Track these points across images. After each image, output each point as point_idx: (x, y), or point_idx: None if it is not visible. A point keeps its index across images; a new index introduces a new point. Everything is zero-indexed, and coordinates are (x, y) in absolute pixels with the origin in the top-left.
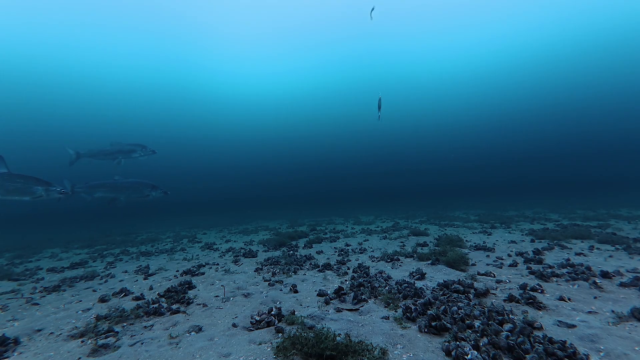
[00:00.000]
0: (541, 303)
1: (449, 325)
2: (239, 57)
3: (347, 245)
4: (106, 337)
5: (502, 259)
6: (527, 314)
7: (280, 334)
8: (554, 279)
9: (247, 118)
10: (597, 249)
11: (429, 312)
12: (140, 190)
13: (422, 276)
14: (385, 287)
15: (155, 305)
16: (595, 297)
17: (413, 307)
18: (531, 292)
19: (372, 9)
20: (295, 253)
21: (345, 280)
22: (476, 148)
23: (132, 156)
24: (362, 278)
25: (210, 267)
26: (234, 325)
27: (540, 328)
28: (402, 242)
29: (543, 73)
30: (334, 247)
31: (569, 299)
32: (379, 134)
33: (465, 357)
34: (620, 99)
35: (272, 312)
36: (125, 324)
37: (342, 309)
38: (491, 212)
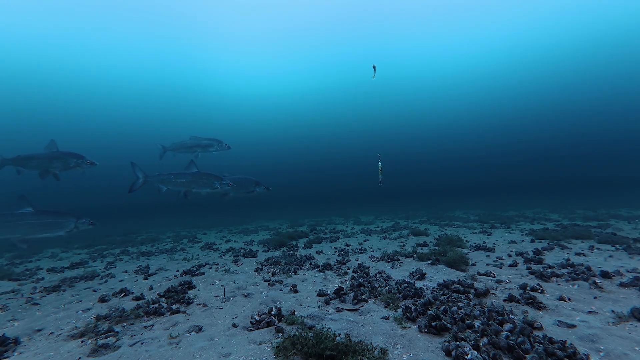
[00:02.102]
0: (541, 303)
1: (449, 325)
2: (240, 58)
3: (347, 245)
4: (106, 337)
5: (502, 259)
6: (527, 314)
7: (280, 334)
8: (554, 279)
9: (247, 118)
10: (597, 249)
11: (429, 312)
12: (246, 186)
13: (422, 276)
14: (385, 287)
15: (155, 305)
16: (595, 297)
17: (413, 307)
18: (531, 292)
19: (374, 68)
20: (295, 253)
21: (345, 280)
22: (476, 148)
23: (209, 150)
24: (362, 278)
25: (210, 267)
26: (234, 325)
27: (540, 328)
28: (402, 242)
29: (543, 73)
30: (334, 247)
31: (569, 299)
32: (379, 134)
33: (465, 357)
34: (621, 99)
35: (272, 312)
36: (125, 323)
37: (342, 309)
38: (491, 212)
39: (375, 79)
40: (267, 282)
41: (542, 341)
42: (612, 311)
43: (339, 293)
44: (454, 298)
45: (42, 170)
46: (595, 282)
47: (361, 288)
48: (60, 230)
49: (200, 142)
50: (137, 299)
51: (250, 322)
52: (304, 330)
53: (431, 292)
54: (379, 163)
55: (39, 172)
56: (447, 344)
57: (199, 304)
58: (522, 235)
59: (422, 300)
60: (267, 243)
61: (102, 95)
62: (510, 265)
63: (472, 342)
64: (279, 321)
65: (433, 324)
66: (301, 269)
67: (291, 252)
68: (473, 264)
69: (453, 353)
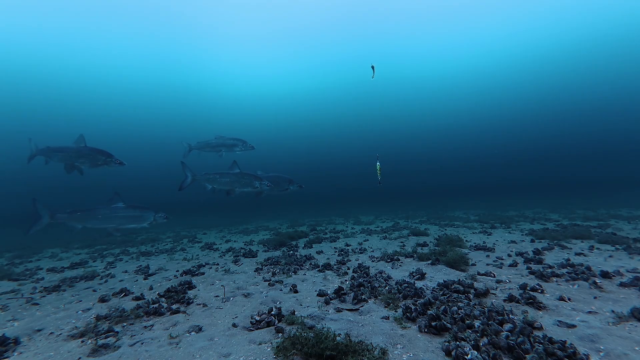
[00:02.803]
0: (541, 303)
1: (449, 325)
2: (240, 58)
3: (347, 245)
4: (106, 337)
5: (502, 259)
6: (527, 314)
7: (280, 334)
8: (554, 279)
9: (247, 118)
10: (597, 249)
11: (429, 312)
12: (281, 184)
13: (422, 276)
14: (385, 287)
15: (155, 305)
16: (595, 297)
17: (413, 307)
18: (531, 292)
19: (373, 68)
20: (295, 253)
21: (345, 280)
22: (476, 148)
23: (234, 150)
24: (362, 278)
25: (210, 267)
26: (234, 325)
27: (540, 328)
28: (402, 242)
29: (543, 73)
30: (334, 247)
31: (569, 299)
32: (379, 134)
33: (465, 357)
34: (620, 99)
35: (272, 312)
36: (125, 323)
37: (342, 309)
38: (491, 212)
39: (376, 79)
40: (267, 282)
41: (542, 341)
42: (612, 311)
43: (339, 293)
44: (454, 298)
45: (69, 163)
46: (595, 282)
47: (361, 288)
48: (144, 222)
49: (225, 141)
50: (137, 299)
51: (250, 322)
52: (304, 330)
53: (431, 292)
54: (378, 163)
55: (64, 166)
56: (447, 344)
57: (199, 304)
58: (522, 235)
59: (422, 300)
60: (267, 243)
61: (102, 95)
62: (510, 265)
63: (472, 342)
64: (279, 321)
65: (433, 324)
66: (301, 269)
67: (291, 252)
68: (473, 264)
69: (453, 353)
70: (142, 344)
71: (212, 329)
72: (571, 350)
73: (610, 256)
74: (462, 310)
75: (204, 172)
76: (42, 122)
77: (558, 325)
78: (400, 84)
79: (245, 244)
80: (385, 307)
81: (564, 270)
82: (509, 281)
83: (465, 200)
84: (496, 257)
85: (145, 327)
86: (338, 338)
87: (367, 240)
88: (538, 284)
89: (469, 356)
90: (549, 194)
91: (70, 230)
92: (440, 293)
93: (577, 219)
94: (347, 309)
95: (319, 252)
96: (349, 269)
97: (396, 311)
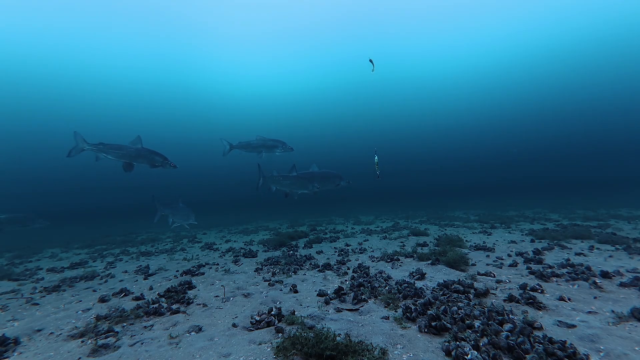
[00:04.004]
0: (541, 303)
1: (449, 325)
2: (240, 58)
3: (347, 245)
4: (106, 337)
5: (502, 259)
6: (527, 314)
7: (280, 334)
8: (554, 279)
9: (247, 118)
10: (597, 249)
11: (429, 312)
12: (333, 180)
13: (422, 276)
14: (385, 287)
15: (155, 305)
16: (595, 297)
17: (413, 307)
18: (531, 292)
19: (371, 62)
20: (295, 253)
21: (345, 280)
22: (476, 148)
23: (274, 151)
24: (362, 278)
25: (210, 267)
26: (234, 325)
27: (540, 328)
28: (402, 242)
29: (543, 73)
30: (334, 247)
31: (569, 299)
32: (379, 134)
33: (465, 357)
34: (620, 99)
35: (272, 312)
36: (125, 324)
37: (342, 309)
38: (491, 212)
39: (376, 79)
40: (267, 282)
41: (542, 341)
42: (612, 311)
43: (339, 293)
44: (454, 298)
45: (127, 162)
46: (595, 282)
47: (361, 288)
48: (193, 219)
49: (266, 142)
50: (137, 299)
51: (250, 322)
52: (304, 330)
53: (431, 292)
54: (376, 157)
55: (123, 164)
56: (447, 344)
57: (199, 304)
58: (522, 235)
59: (422, 300)
60: (267, 243)
61: (103, 95)
62: (510, 265)
63: (472, 342)
64: (279, 321)
65: (433, 324)
66: (301, 269)
67: (291, 252)
68: (473, 264)
69: (453, 353)
70: (142, 344)
71: (212, 329)
72: (571, 350)
73: (610, 256)
74: (462, 310)
75: (272, 174)
76: (43, 122)
77: (558, 325)
78: (400, 84)
79: (245, 244)
80: (385, 307)
81: (564, 270)
82: (509, 281)
83: (465, 200)
84: (496, 257)
85: (145, 327)
86: (338, 338)
87: (367, 240)
88: (538, 284)
89: (469, 356)
90: (549, 194)
91: (161, 218)
92: (440, 293)
93: (577, 219)
94: (347, 309)
95: (318, 252)
96: (349, 269)
97: (396, 311)
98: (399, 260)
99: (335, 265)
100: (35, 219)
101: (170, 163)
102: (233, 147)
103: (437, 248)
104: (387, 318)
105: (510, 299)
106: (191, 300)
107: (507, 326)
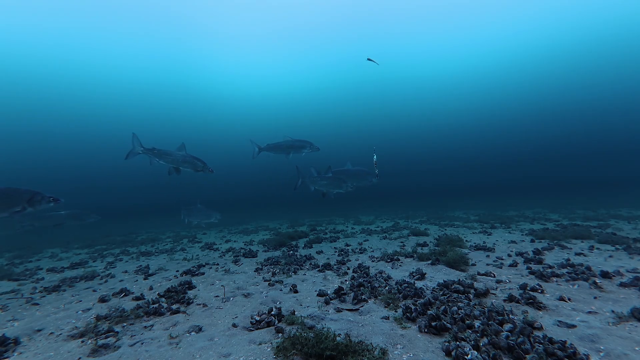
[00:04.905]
0: (541, 303)
1: (449, 325)
2: (240, 58)
3: (347, 245)
4: (106, 337)
5: (502, 259)
6: (527, 314)
7: (280, 334)
8: (554, 279)
9: (247, 118)
10: (597, 249)
11: (429, 312)
12: (366, 178)
13: (422, 276)
14: (385, 287)
15: (155, 305)
16: (595, 297)
17: (413, 307)
18: (531, 292)
19: (370, 60)
20: (295, 253)
21: (345, 280)
22: (476, 148)
23: (302, 152)
24: (362, 278)
25: (210, 267)
26: (234, 325)
27: (540, 328)
28: (402, 242)
29: (543, 73)
30: (334, 247)
31: (569, 299)
32: (379, 134)
33: (465, 357)
34: (620, 99)
35: (272, 312)
36: (125, 324)
37: (342, 309)
38: (491, 212)
39: (376, 79)
40: (267, 282)
41: (542, 341)
42: (612, 311)
43: (339, 293)
44: (454, 298)
45: (174, 166)
46: (595, 282)
47: (361, 288)
48: (213, 218)
49: (294, 143)
50: (137, 299)
51: (250, 322)
52: (304, 331)
53: (431, 292)
54: (374, 157)
55: (169, 168)
56: (447, 344)
57: (199, 304)
58: (522, 235)
59: (422, 300)
60: (267, 243)
61: (103, 95)
62: (510, 265)
63: (472, 342)
64: (279, 321)
65: (433, 324)
66: (301, 269)
67: (291, 252)
68: (473, 264)
69: (453, 353)
70: (142, 344)
71: (212, 329)
72: (571, 350)
73: (610, 256)
74: (462, 311)
75: (312, 174)
76: (43, 122)
77: (558, 326)
78: (400, 83)
79: (245, 244)
80: (385, 307)
81: (564, 270)
82: (509, 281)
83: (465, 200)
84: (496, 257)
85: (145, 327)
86: (338, 338)
87: (367, 240)
88: (538, 284)
89: (469, 356)
90: (549, 194)
91: (187, 221)
92: (440, 293)
93: (577, 219)
94: (347, 309)
95: (319, 252)
96: (349, 269)
97: (396, 311)
98: (399, 260)
99: (335, 265)
100: (90, 214)
101: (209, 168)
102: (262, 149)
103: (437, 248)
104: (387, 318)
105: (510, 299)
106: (191, 300)
107: (507, 326)
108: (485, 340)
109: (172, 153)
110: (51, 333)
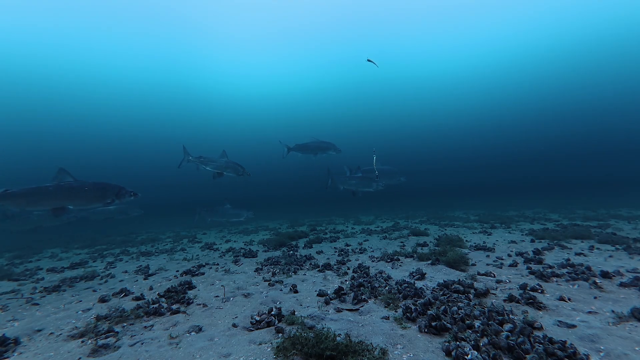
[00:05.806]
0: (541, 303)
1: (449, 325)
2: (239, 58)
3: (347, 245)
4: (106, 337)
5: (502, 259)
6: (527, 314)
7: (280, 334)
8: (554, 279)
9: (247, 118)
10: (597, 249)
11: (429, 312)
12: (395, 176)
13: (422, 276)
14: (385, 287)
15: (155, 305)
16: (595, 297)
17: (413, 307)
18: (531, 292)
19: (370, 61)
20: (295, 253)
21: (345, 280)
22: (476, 148)
23: (327, 152)
24: (362, 278)
25: (210, 267)
26: (234, 326)
27: (540, 328)
28: (402, 242)
29: (543, 73)
30: (334, 247)
31: (569, 299)
32: (379, 134)
33: (466, 357)
34: (620, 99)
35: (272, 312)
36: (125, 324)
37: (342, 309)
38: (491, 212)
39: (376, 79)
40: (267, 282)
41: (542, 341)
42: (612, 311)
43: (339, 293)
44: (454, 298)
45: (218, 171)
46: (595, 282)
47: (361, 288)
48: (242, 217)
49: (321, 145)
50: (137, 299)
51: (250, 322)
52: (304, 331)
53: (431, 292)
54: (374, 158)
55: (214, 173)
56: (447, 344)
57: (199, 304)
58: (522, 235)
59: (422, 300)
60: (267, 243)
61: (103, 96)
62: (510, 265)
63: (472, 342)
64: (279, 321)
65: (433, 324)
66: (301, 269)
67: (291, 252)
68: (473, 264)
69: (453, 353)
70: (142, 344)
71: (212, 329)
72: (571, 350)
73: (610, 256)
74: (462, 311)
75: (344, 174)
76: (43, 122)
77: (558, 326)
78: (401, 83)
79: (245, 244)
80: (385, 307)
81: (564, 270)
82: (509, 281)
83: (465, 200)
84: (496, 257)
85: (145, 327)
86: (338, 338)
87: (367, 240)
88: (538, 284)
89: (469, 356)
90: (549, 194)
91: (202, 220)
92: (440, 293)
93: (577, 219)
94: (347, 309)
95: (319, 252)
96: (349, 269)
97: (396, 311)
98: (399, 260)
99: (335, 265)
100: (134, 209)
101: (248, 173)
102: (291, 149)
103: (437, 248)
104: (387, 318)
105: (511, 299)
106: (191, 301)
107: (507, 326)
108: (485, 340)
109: (217, 160)
110: (51, 333)
